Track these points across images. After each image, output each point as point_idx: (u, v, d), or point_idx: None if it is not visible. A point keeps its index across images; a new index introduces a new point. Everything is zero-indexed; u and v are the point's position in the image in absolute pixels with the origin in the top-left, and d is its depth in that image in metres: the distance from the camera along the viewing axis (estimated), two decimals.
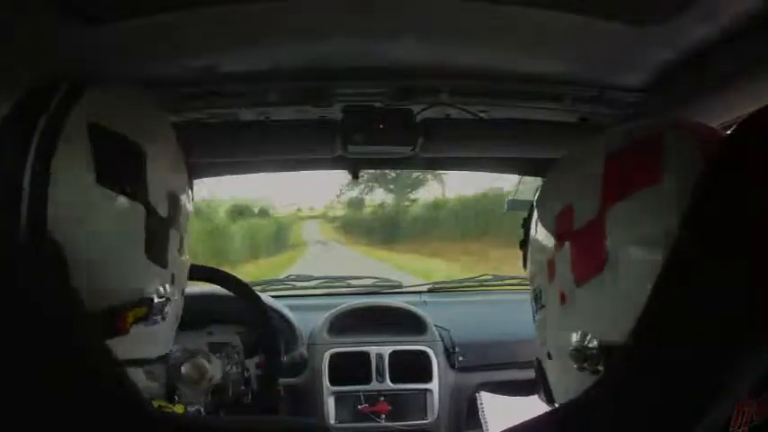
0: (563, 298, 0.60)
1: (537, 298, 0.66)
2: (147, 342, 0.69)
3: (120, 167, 0.64)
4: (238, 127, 1.26)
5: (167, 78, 1.05)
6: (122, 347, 0.64)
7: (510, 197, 1.89)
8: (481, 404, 1.59)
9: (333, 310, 1.78)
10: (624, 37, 0.90)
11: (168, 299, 0.69)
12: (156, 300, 0.67)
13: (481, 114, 1.24)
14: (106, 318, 0.63)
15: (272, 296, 1.77)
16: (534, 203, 0.69)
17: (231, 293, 1.13)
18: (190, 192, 0.76)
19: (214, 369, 1.33)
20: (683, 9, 0.80)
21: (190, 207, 0.75)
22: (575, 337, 0.58)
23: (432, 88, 1.15)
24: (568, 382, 0.60)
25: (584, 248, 0.58)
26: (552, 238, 0.62)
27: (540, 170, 1.67)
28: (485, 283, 2.20)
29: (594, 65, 1.06)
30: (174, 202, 0.69)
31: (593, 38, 0.93)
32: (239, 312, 1.13)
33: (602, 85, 1.11)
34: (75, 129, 0.62)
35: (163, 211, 0.67)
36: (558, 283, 0.61)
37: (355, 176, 1.50)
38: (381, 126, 1.19)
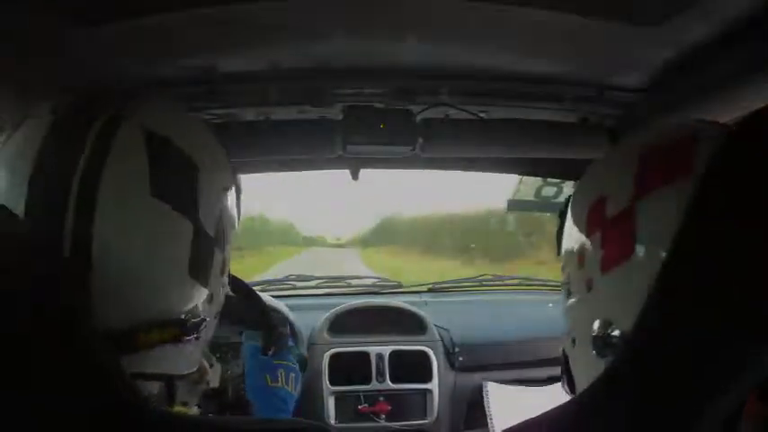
0: (589, 285, 0.62)
1: (567, 284, 0.68)
2: (176, 360, 0.67)
3: (175, 180, 0.62)
4: (238, 127, 1.26)
5: (167, 78, 1.05)
6: (149, 363, 0.63)
7: (510, 197, 1.89)
8: (487, 395, 1.59)
9: (333, 310, 1.78)
10: (624, 37, 0.90)
11: (204, 319, 0.67)
12: (190, 321, 0.65)
13: (481, 114, 1.24)
14: (132, 335, 0.61)
15: (273, 296, 1.77)
16: (571, 195, 0.71)
17: (231, 293, 1.12)
18: (238, 212, 0.74)
19: (214, 371, 1.33)
20: (683, 9, 0.80)
21: (236, 227, 0.73)
22: (597, 324, 0.60)
23: (432, 88, 1.15)
24: (590, 369, 0.62)
25: (614, 238, 0.60)
26: (584, 227, 0.64)
27: (540, 170, 1.67)
28: (485, 283, 2.21)
29: (594, 65, 1.06)
30: (222, 221, 0.68)
31: (592, 38, 0.93)
32: (239, 312, 1.13)
33: (602, 85, 1.11)
34: (131, 135, 0.60)
35: (211, 230, 0.65)
36: (586, 271, 0.63)
37: (355, 177, 1.50)
38: (381, 126, 1.20)
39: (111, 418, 0.55)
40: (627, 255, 0.58)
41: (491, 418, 1.56)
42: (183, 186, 0.63)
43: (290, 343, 1.11)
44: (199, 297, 0.66)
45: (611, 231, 0.60)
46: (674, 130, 0.63)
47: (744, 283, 0.46)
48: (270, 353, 1.04)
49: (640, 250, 0.57)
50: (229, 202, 0.71)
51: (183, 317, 0.64)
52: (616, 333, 0.58)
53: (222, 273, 0.71)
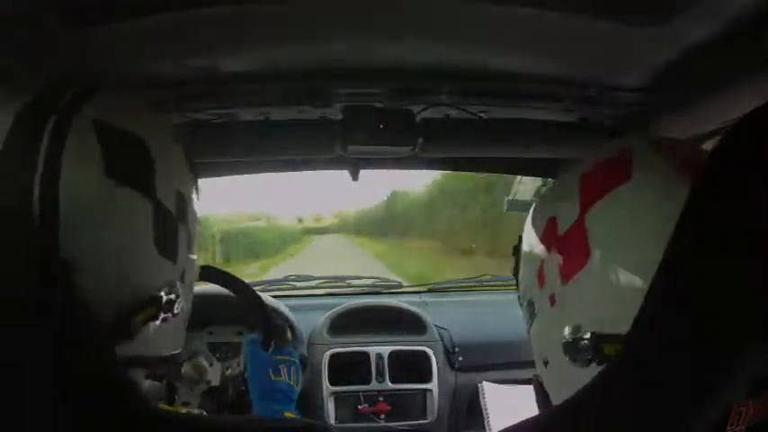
0: (552, 300, 0.64)
1: (530, 308, 0.70)
2: (158, 340, 0.69)
3: (128, 163, 0.65)
4: (238, 127, 1.26)
5: (167, 78, 1.05)
6: (133, 347, 0.65)
7: (509, 197, 1.89)
8: (483, 394, 1.59)
9: (333, 310, 1.79)
10: (624, 37, 0.90)
11: (178, 296, 0.69)
12: (165, 297, 0.67)
13: (481, 114, 1.23)
14: (116, 320, 0.63)
15: (273, 296, 1.78)
16: (522, 231, 0.74)
17: (231, 293, 1.13)
18: (196, 196, 0.76)
19: (214, 369, 1.33)
20: (683, 9, 0.80)
21: (197, 210, 0.75)
22: (567, 331, 0.61)
23: (432, 88, 1.15)
24: (565, 382, 0.62)
25: (569, 249, 0.63)
26: (541, 249, 0.67)
27: (539, 170, 1.67)
28: (485, 283, 2.21)
29: (594, 65, 1.06)
30: (181, 200, 0.70)
31: (593, 38, 0.93)
32: (239, 312, 1.13)
33: (602, 85, 1.11)
34: (82, 127, 0.63)
35: (171, 207, 0.68)
36: (547, 288, 0.65)
37: (355, 177, 1.50)
38: (381, 126, 1.20)
39: (113, 419, 0.55)
40: (584, 261, 0.60)
41: (488, 419, 1.56)
42: (138, 168, 0.66)
43: (289, 337, 1.12)
44: (170, 273, 0.68)
45: (566, 244, 0.63)
46: (610, 147, 0.67)
47: (741, 283, 0.46)
48: (270, 349, 1.05)
49: (595, 254, 0.60)
50: (187, 184, 0.73)
51: (157, 293, 0.66)
52: (586, 336, 0.60)
53: (190, 250, 0.73)
